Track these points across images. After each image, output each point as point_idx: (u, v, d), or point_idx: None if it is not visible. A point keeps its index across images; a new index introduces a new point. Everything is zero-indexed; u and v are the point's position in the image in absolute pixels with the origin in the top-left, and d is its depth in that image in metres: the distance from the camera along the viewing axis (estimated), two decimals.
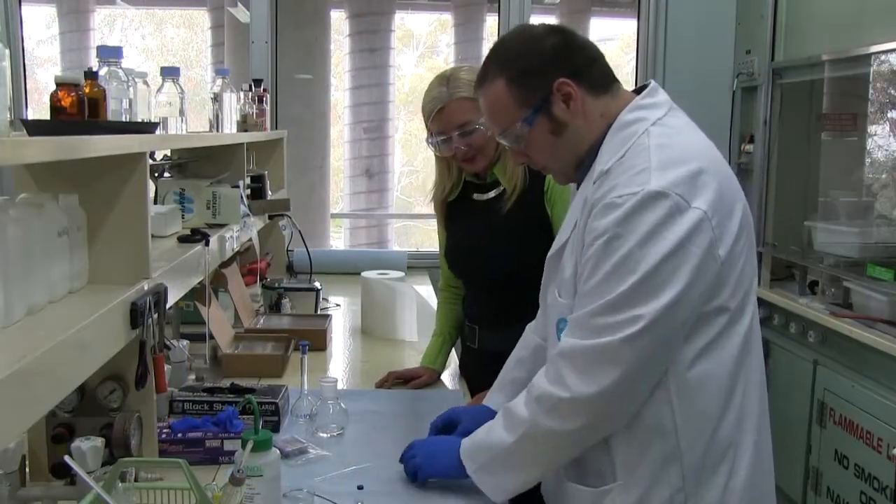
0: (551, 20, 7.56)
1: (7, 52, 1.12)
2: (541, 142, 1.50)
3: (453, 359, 2.53)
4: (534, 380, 1.47)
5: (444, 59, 9.89)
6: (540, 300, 1.72)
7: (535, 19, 5.02)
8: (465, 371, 2.46)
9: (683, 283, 1.32)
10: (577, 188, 1.57)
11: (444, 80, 2.16)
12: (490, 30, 7.03)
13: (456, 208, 2.34)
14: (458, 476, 1.59)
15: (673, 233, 1.32)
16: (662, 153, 1.38)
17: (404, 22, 9.48)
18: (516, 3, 4.13)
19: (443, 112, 2.14)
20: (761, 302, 3.48)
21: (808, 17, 3.55)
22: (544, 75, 1.45)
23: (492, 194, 2.24)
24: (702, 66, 3.88)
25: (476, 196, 2.28)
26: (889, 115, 3.24)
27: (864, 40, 3.08)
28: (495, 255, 2.22)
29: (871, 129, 3.31)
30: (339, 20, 6.78)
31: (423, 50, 10.69)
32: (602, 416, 1.39)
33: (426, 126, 2.21)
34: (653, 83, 1.52)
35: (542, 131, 1.48)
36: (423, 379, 2.36)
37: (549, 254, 1.61)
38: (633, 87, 1.55)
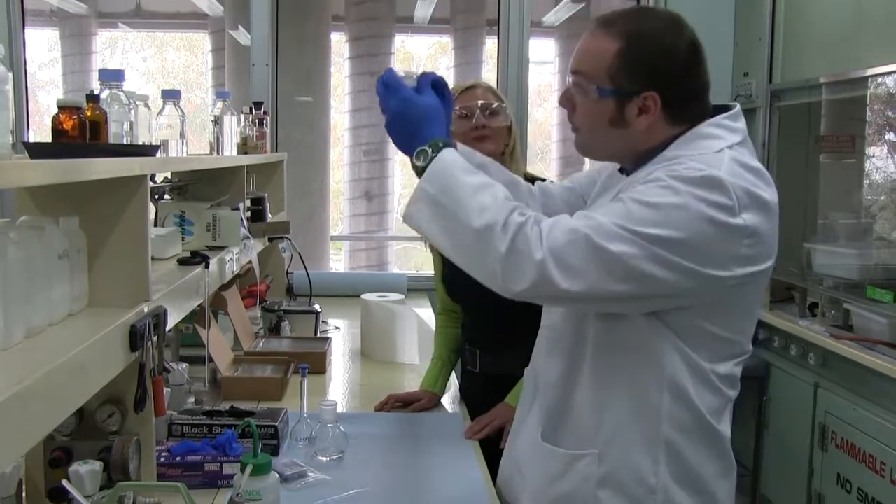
0: (550, 43, 7.61)
1: (10, 75, 1.13)
2: (595, 117, 1.45)
3: (453, 382, 2.52)
4: (538, 216, 1.36)
5: None
6: None
7: (535, 42, 5.05)
8: (465, 394, 2.45)
9: (687, 264, 1.29)
10: (623, 172, 1.54)
11: (473, 80, 2.36)
12: (489, 53, 7.08)
13: None
14: (404, 148, 1.47)
15: (712, 220, 1.29)
16: (735, 168, 1.35)
17: (404, 45, 9.53)
18: (516, 26, 4.15)
19: (473, 89, 2.26)
20: (761, 324, 3.48)
21: (805, 40, 3.57)
22: (644, 78, 1.40)
23: None
24: None
25: None
26: (887, 136, 3.26)
27: (860, 63, 3.10)
28: None
29: (870, 150, 3.33)
30: (339, 43, 6.83)
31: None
32: (541, 295, 1.34)
33: None
34: (738, 107, 1.48)
35: (603, 111, 1.43)
36: (422, 402, 2.35)
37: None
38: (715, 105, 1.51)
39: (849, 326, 3.05)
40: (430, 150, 1.42)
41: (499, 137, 2.23)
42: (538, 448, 1.55)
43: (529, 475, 1.59)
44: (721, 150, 1.38)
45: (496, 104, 2.23)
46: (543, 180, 2.19)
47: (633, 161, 1.48)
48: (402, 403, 2.35)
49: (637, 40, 1.41)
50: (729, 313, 1.41)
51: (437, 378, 2.42)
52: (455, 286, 2.38)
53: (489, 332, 2.31)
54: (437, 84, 1.52)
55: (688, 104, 1.44)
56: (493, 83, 4.21)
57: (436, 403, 2.39)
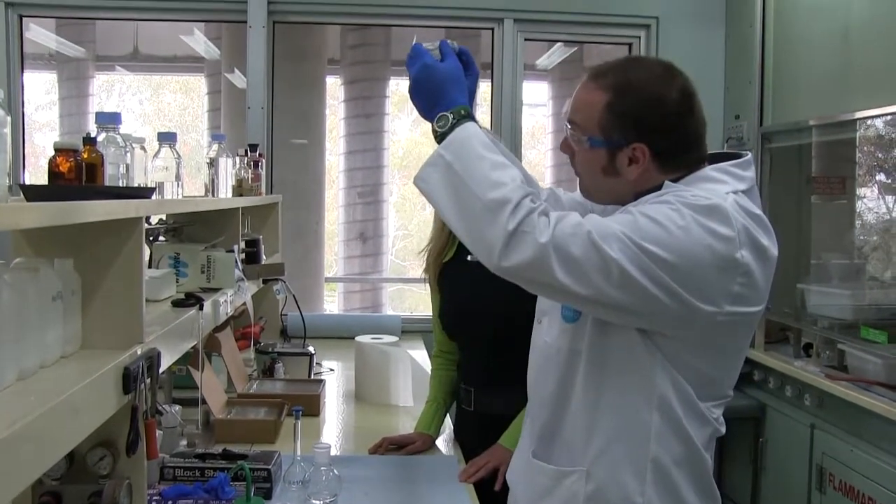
0: (543, 86, 7.69)
1: (9, 119, 1.14)
2: (589, 164, 1.47)
3: (447, 425, 2.51)
4: (549, 207, 1.36)
5: None
6: None
7: (529, 85, 5.10)
8: (459, 435, 2.44)
9: (679, 289, 1.30)
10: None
11: None
12: (483, 95, 7.16)
13: (450, 270, 2.36)
14: (426, 114, 1.47)
15: (712, 248, 1.31)
16: (738, 207, 1.37)
17: (399, 87, 9.64)
18: (509, 69, 4.21)
19: None
20: (756, 364, 3.48)
21: (794, 83, 3.62)
22: (633, 130, 1.41)
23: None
24: None
25: (470, 257, 2.29)
26: (877, 177, 3.29)
27: (849, 106, 3.14)
28: (491, 316, 2.23)
29: (860, 191, 3.36)
30: (334, 86, 6.90)
31: (418, 115, 10.86)
32: (533, 278, 1.33)
33: None
34: (749, 156, 1.49)
35: (596, 160, 1.45)
36: (417, 445, 2.33)
37: None
38: (727, 152, 1.53)
39: (844, 367, 3.05)
40: (451, 116, 1.43)
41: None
42: (528, 465, 1.56)
43: (520, 492, 1.60)
44: (726, 193, 1.39)
45: None
46: None
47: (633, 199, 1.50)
48: (397, 446, 2.34)
49: (624, 92, 1.42)
50: (714, 352, 1.41)
51: (431, 420, 2.41)
52: (451, 323, 2.38)
53: (485, 370, 2.31)
54: (461, 54, 1.52)
55: (679, 154, 1.45)
56: (488, 125, 4.25)
57: (430, 446, 2.37)
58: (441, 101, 1.45)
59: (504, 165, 1.38)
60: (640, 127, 1.41)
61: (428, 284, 2.48)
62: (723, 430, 1.48)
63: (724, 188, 1.40)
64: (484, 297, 2.22)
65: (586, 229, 1.30)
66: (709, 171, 1.44)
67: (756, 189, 1.48)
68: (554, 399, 1.52)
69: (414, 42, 1.52)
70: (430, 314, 2.50)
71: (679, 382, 1.40)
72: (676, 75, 1.45)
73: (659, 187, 1.44)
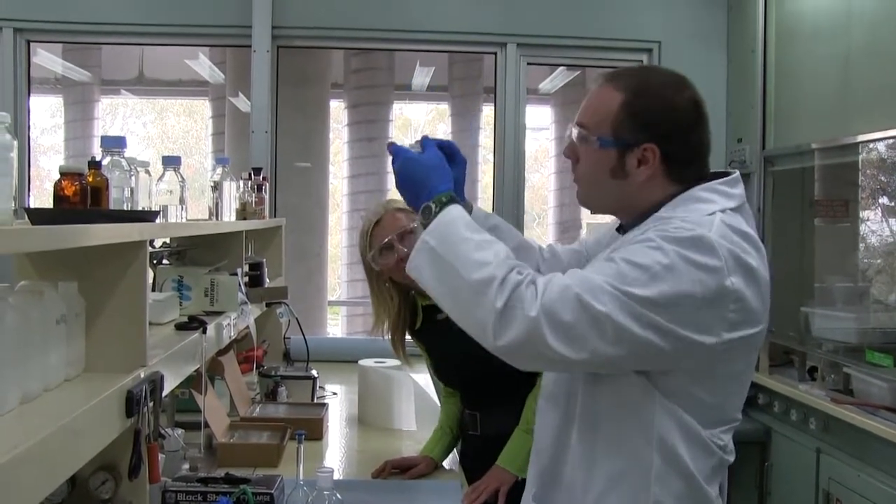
0: (546, 110, 7.73)
1: (15, 143, 1.15)
2: (596, 167, 1.48)
3: (453, 452, 2.50)
4: (536, 275, 1.36)
5: None
6: None
7: (531, 109, 5.13)
8: (465, 461, 2.42)
9: (674, 328, 1.30)
10: (620, 231, 1.57)
11: (380, 204, 2.36)
12: (486, 119, 7.18)
13: (426, 334, 2.40)
14: (413, 206, 1.50)
15: (701, 282, 1.30)
16: (725, 231, 1.36)
17: (402, 112, 9.68)
18: (512, 93, 4.23)
19: (380, 223, 2.29)
20: (761, 388, 3.46)
21: (796, 107, 3.64)
22: (646, 130, 1.43)
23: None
24: None
25: (439, 315, 2.26)
26: (881, 201, 3.29)
27: (851, 129, 3.15)
28: (485, 360, 2.21)
29: (864, 214, 3.36)
30: (338, 109, 6.93)
31: (423, 137, 10.92)
32: (530, 352, 1.33)
33: (364, 248, 2.32)
34: (736, 174, 1.50)
35: (604, 161, 1.46)
36: (420, 468, 2.32)
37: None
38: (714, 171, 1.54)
39: (849, 391, 3.04)
40: (433, 206, 1.45)
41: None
42: None
43: None
44: (713, 213, 1.40)
45: (408, 224, 2.23)
46: None
47: (631, 217, 1.50)
48: (400, 469, 2.33)
49: (640, 94, 1.45)
50: (716, 380, 1.40)
51: (436, 444, 2.40)
52: (450, 380, 2.42)
53: (489, 397, 2.30)
54: (441, 146, 1.56)
55: (686, 161, 1.46)
56: (491, 149, 4.26)
57: (433, 469, 2.36)
58: (423, 191, 1.48)
59: (488, 243, 1.38)
60: (654, 128, 1.43)
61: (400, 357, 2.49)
62: (731, 458, 1.46)
63: (712, 207, 1.41)
64: (471, 346, 2.15)
65: (574, 291, 1.29)
66: (697, 191, 1.44)
67: (746, 206, 1.48)
68: (553, 442, 1.52)
69: (388, 143, 1.58)
70: None
71: (681, 418, 1.38)
72: (689, 86, 1.49)
73: (654, 208, 1.45)
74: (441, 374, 2.43)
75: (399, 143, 1.58)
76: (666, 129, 1.43)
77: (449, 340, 2.21)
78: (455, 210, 1.44)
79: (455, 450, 2.49)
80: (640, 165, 1.44)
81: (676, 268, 1.29)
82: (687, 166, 1.46)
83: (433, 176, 1.49)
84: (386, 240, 2.24)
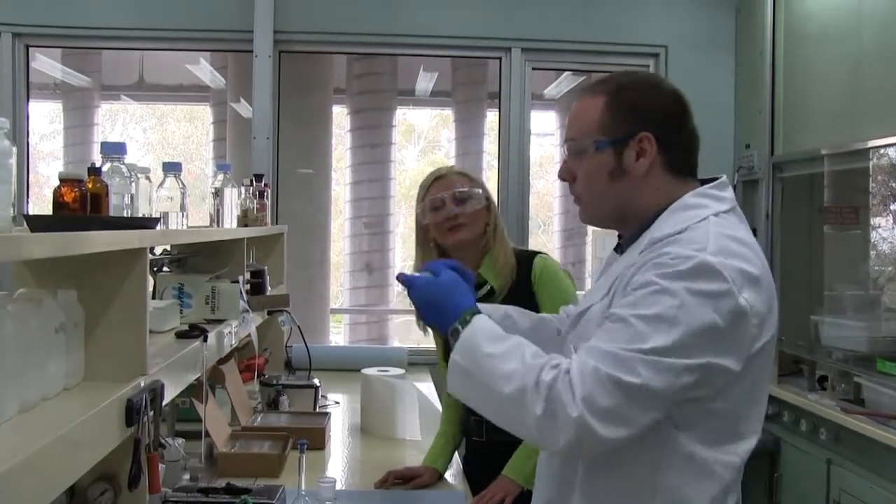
0: (551, 115, 7.73)
1: (14, 149, 1.15)
2: (595, 173, 1.49)
3: (456, 459, 2.49)
4: (566, 365, 1.34)
5: (446, 153, 10.06)
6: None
7: (536, 115, 5.13)
8: (468, 468, 2.42)
9: (706, 360, 1.30)
10: (618, 251, 1.57)
11: (446, 165, 2.45)
12: (490, 125, 7.19)
13: None
14: (443, 332, 1.50)
15: (717, 309, 1.30)
16: (721, 242, 1.37)
17: (406, 117, 9.69)
18: (517, 98, 4.23)
19: (441, 179, 2.33)
20: (770, 398, 3.44)
21: (805, 112, 3.63)
22: (638, 121, 1.46)
23: (480, 294, 2.26)
24: (701, 161, 3.92)
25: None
26: (892, 207, 3.28)
27: (861, 135, 3.14)
28: None
29: (875, 221, 3.35)
30: (340, 115, 6.93)
31: (425, 145, 10.89)
32: (587, 447, 1.32)
33: (419, 200, 2.34)
34: (724, 178, 1.52)
35: (603, 164, 1.48)
36: (423, 478, 2.32)
37: (576, 312, 1.58)
38: (701, 178, 1.55)
39: (860, 400, 3.03)
40: (460, 328, 1.45)
41: (474, 223, 2.29)
42: None
43: None
44: (705, 217, 1.41)
45: (467, 189, 2.29)
46: (538, 253, 2.23)
47: (631, 227, 1.51)
48: (403, 479, 2.32)
49: (621, 90, 1.49)
50: (738, 395, 1.39)
51: (439, 454, 2.40)
52: None
53: None
54: (451, 266, 1.60)
55: (682, 148, 1.49)
56: (495, 154, 4.27)
57: (437, 479, 2.35)
58: (448, 312, 1.49)
59: (512, 351, 1.38)
60: (644, 116, 1.46)
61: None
62: (739, 477, 1.45)
63: (705, 212, 1.42)
64: None
65: (604, 373, 1.28)
66: (687, 198, 1.46)
67: (738, 209, 1.50)
68: (558, 476, 1.52)
69: (398, 275, 1.61)
70: (435, 347, 2.50)
71: (688, 449, 1.38)
72: (665, 80, 1.55)
73: (649, 219, 1.46)
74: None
75: (404, 271, 1.63)
76: (656, 116, 1.47)
77: None
78: (477, 322, 1.45)
79: (457, 454, 2.49)
80: (638, 158, 1.46)
81: (688, 305, 1.30)
82: (682, 154, 1.49)
83: (455, 294, 1.51)
84: (439, 195, 2.29)
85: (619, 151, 1.46)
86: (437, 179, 2.33)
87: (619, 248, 1.57)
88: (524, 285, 2.24)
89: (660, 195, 1.47)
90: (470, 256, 2.25)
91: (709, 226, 1.39)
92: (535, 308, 2.16)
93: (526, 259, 2.31)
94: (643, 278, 1.35)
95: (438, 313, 1.51)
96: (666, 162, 1.47)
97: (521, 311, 1.76)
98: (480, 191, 2.30)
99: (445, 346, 1.91)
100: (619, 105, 1.47)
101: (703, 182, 1.51)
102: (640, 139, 1.45)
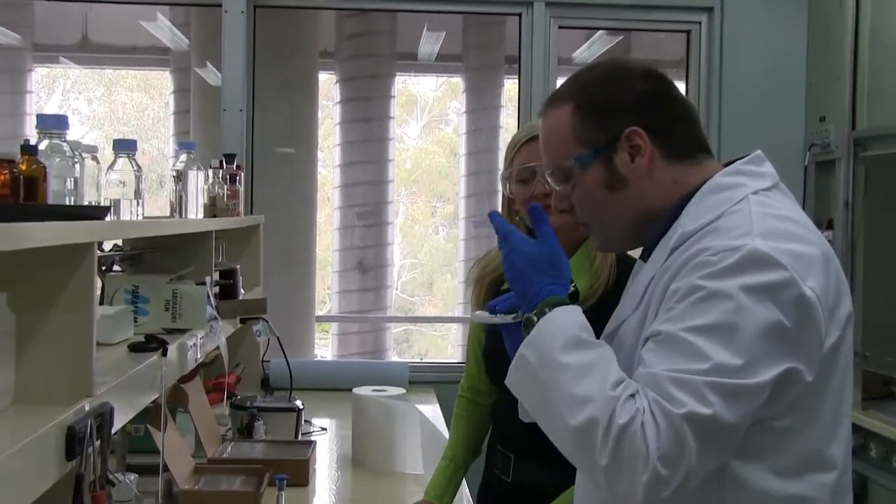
0: None
1: None
2: (591, 192, 1.52)
3: (464, 491, 2.48)
4: (642, 405, 1.33)
5: (454, 129, 10.05)
6: None
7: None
8: None
9: (778, 370, 1.30)
10: (643, 257, 1.58)
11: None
12: (508, 95, 7.18)
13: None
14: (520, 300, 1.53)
15: (780, 304, 1.30)
16: (767, 223, 1.37)
17: (406, 86, 9.69)
18: (540, 63, 4.21)
19: (535, 141, 2.14)
20: (853, 427, 3.41)
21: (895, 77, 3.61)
22: (617, 117, 1.48)
23: None
24: (765, 138, 3.89)
25: None
26: None
27: None
28: None
29: None
30: (328, 84, 6.94)
31: (429, 119, 10.88)
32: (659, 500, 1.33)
33: (507, 161, 2.24)
34: (759, 152, 1.53)
35: (596, 180, 1.51)
36: None
37: (605, 332, 1.59)
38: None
39: None
40: (535, 318, 1.46)
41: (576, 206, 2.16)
42: None
43: None
44: (743, 198, 1.42)
45: (567, 160, 2.16)
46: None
47: (654, 233, 1.52)
48: None
49: (586, 89, 1.53)
50: (811, 403, 1.38)
51: (446, 486, 2.36)
52: (499, 368, 2.32)
53: (533, 434, 2.24)
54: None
55: (673, 129, 1.51)
56: (514, 130, 4.25)
57: None
58: (530, 293, 1.50)
59: (592, 368, 1.37)
60: (621, 110, 1.49)
61: (470, 300, 2.41)
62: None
63: (742, 192, 1.44)
64: None
65: (677, 416, 1.27)
66: (718, 178, 1.48)
67: (782, 186, 1.51)
68: None
69: (490, 213, 1.63)
70: (445, 360, 2.48)
71: (764, 490, 1.37)
72: (631, 61, 1.60)
73: (673, 211, 1.48)
74: (490, 357, 2.31)
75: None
76: (636, 104, 1.49)
77: None
78: (556, 318, 1.44)
79: (466, 484, 2.46)
80: (633, 159, 1.48)
81: (745, 306, 1.30)
82: (683, 132, 1.52)
83: (545, 275, 1.51)
84: (529, 164, 2.15)
85: (607, 159, 1.49)
86: (526, 142, 2.18)
87: (645, 254, 1.58)
88: (620, 294, 2.13)
89: (677, 187, 1.49)
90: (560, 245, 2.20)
91: (749, 206, 1.40)
92: None
93: (627, 265, 2.20)
94: (685, 284, 1.35)
95: (522, 287, 1.52)
96: (668, 149, 1.49)
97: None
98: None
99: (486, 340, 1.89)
100: (590, 106, 1.50)
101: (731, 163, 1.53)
102: (627, 137, 1.47)
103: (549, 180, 1.58)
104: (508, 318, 1.57)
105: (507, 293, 1.63)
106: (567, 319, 1.45)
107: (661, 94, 1.52)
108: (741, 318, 1.29)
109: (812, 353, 1.34)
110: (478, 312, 1.74)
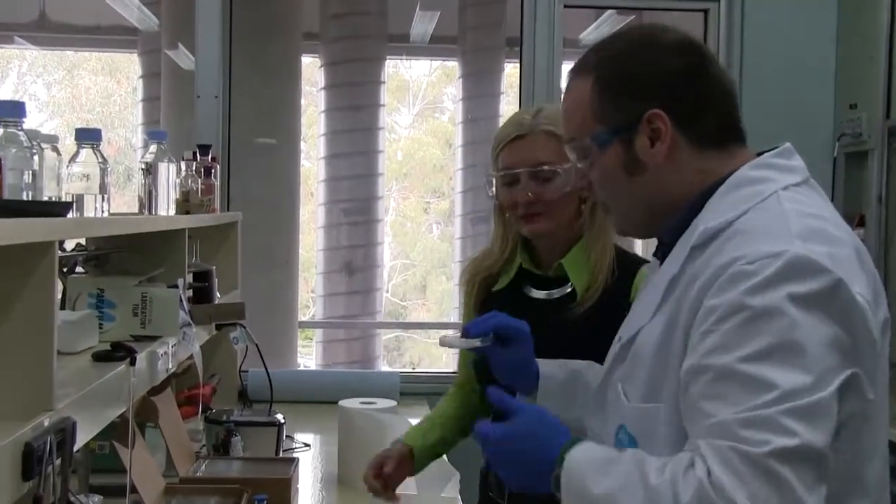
0: None
1: None
2: (609, 173, 1.52)
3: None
4: (700, 469, 1.30)
5: (450, 117, 10.06)
6: (596, 393, 1.66)
7: (570, 66, 5.11)
8: None
9: (843, 376, 1.28)
10: (657, 254, 1.58)
11: (532, 111, 2.25)
12: (509, 81, 7.18)
13: (502, 302, 2.26)
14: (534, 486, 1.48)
15: (833, 317, 1.28)
16: (802, 222, 1.36)
17: (397, 71, 9.71)
18: (544, 45, 4.21)
19: (521, 141, 2.18)
20: (890, 446, 3.42)
21: None
22: (639, 97, 1.47)
23: (555, 293, 2.22)
24: (790, 127, 3.89)
25: (535, 293, 2.26)
26: None
27: None
28: None
29: None
30: (311, 68, 6.94)
31: (423, 106, 10.90)
32: None
33: (493, 159, 2.25)
34: (788, 145, 1.52)
35: (614, 161, 1.50)
36: (392, 472, 2.31)
37: (619, 341, 1.58)
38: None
39: None
40: (560, 472, 1.42)
41: (555, 211, 2.16)
42: None
43: None
44: (773, 193, 1.41)
45: (552, 162, 2.13)
46: (647, 262, 2.16)
47: (672, 221, 1.52)
48: (381, 483, 2.31)
49: (608, 61, 1.53)
50: (851, 425, 1.35)
51: (421, 433, 2.40)
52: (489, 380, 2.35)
53: None
54: (499, 330, 1.67)
55: (703, 114, 1.49)
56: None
57: (410, 464, 2.35)
58: (539, 468, 1.45)
59: (630, 476, 1.33)
60: (645, 87, 1.48)
61: (463, 301, 2.41)
62: None
63: (772, 186, 1.43)
64: (544, 350, 2.08)
65: (759, 453, 1.23)
66: (744, 171, 1.47)
67: (812, 181, 1.49)
68: None
69: (477, 427, 1.54)
70: (437, 371, 2.49)
71: None
72: (666, 30, 1.55)
73: (693, 207, 1.47)
74: (480, 362, 2.33)
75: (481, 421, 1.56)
76: (662, 83, 1.49)
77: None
78: (573, 461, 1.40)
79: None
80: (653, 144, 1.47)
81: (800, 320, 1.27)
82: (705, 117, 1.49)
83: (543, 445, 1.46)
84: (514, 170, 2.17)
85: (627, 141, 1.49)
86: (512, 141, 2.19)
87: (660, 252, 1.57)
88: (621, 294, 2.13)
89: (703, 177, 1.49)
90: (553, 244, 2.21)
91: (781, 204, 1.39)
92: None
93: (629, 263, 2.21)
94: (725, 301, 1.32)
95: (528, 473, 1.48)
96: (695, 135, 1.48)
97: (589, 363, 1.78)
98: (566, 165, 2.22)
99: (479, 366, 1.92)
100: (611, 81, 1.50)
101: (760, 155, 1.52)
102: (648, 119, 1.46)
103: (569, 155, 1.58)
104: (475, 343, 1.60)
105: (489, 313, 1.65)
106: (582, 456, 1.41)
107: (694, 72, 1.50)
108: (799, 335, 1.26)
109: (868, 360, 1.32)
110: (447, 335, 1.76)
